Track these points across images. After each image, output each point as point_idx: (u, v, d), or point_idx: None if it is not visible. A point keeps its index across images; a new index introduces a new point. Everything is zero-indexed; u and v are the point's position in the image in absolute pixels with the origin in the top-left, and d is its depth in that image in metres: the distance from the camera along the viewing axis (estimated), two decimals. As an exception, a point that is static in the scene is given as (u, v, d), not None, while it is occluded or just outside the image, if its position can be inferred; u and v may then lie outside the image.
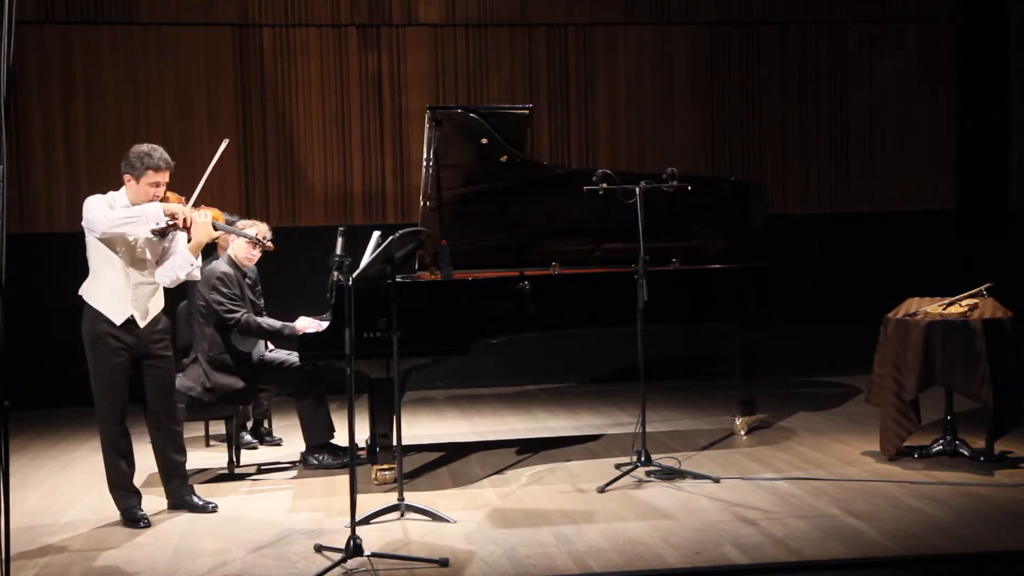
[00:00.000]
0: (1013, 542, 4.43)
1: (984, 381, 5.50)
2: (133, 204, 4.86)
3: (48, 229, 8.52)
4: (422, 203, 6.13)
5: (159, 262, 4.99)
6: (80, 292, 4.93)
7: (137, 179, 4.85)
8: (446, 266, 5.96)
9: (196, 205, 5.01)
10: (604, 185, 5.68)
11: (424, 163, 6.05)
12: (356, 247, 5.25)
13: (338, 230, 5.51)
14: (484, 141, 6.13)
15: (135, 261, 4.90)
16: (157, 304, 5.02)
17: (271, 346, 6.30)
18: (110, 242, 4.83)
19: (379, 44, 8.98)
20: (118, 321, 4.86)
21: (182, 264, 4.94)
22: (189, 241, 4.97)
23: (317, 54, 8.93)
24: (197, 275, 5.08)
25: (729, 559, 4.27)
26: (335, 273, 5.41)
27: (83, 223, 4.86)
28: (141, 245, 4.90)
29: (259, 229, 5.92)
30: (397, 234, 4.77)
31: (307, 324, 5.90)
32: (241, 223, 6.05)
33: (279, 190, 8.89)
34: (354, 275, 4.68)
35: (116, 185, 4.96)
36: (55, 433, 7.48)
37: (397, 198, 9.05)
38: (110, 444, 4.95)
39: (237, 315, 5.77)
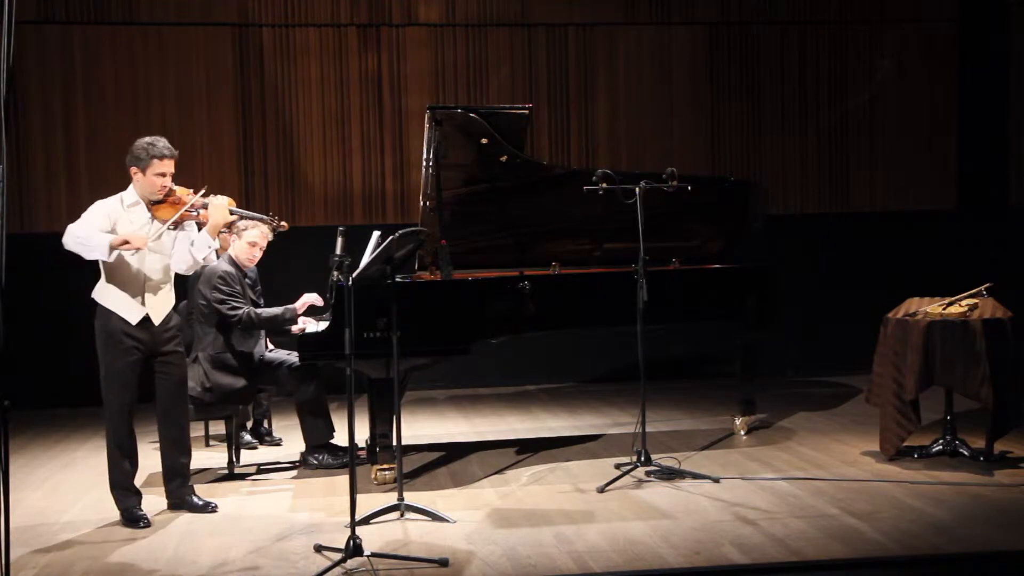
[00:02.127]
0: (1013, 542, 4.43)
1: (984, 381, 5.50)
2: (142, 197, 4.93)
3: (48, 229, 8.50)
4: (422, 203, 6.13)
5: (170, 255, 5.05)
6: (93, 295, 4.96)
7: (143, 170, 4.91)
8: (446, 266, 5.95)
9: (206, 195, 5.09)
10: (604, 185, 5.68)
11: (424, 163, 6.05)
12: (356, 247, 5.26)
13: (338, 230, 5.51)
14: (484, 141, 6.13)
15: (148, 260, 4.94)
16: (170, 301, 5.07)
17: (271, 346, 6.30)
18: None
19: (379, 44, 8.98)
20: (134, 320, 4.91)
21: (200, 247, 4.99)
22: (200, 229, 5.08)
23: (317, 54, 8.93)
24: (214, 258, 5.20)
25: (729, 559, 4.27)
26: (335, 273, 5.40)
27: None
28: (154, 242, 4.92)
29: (261, 230, 5.93)
30: (397, 234, 4.77)
31: (308, 299, 5.91)
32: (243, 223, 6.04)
33: (279, 190, 8.89)
34: (354, 275, 4.68)
35: (115, 185, 4.96)
36: (55, 433, 7.48)
37: (397, 198, 9.05)
38: (115, 443, 4.97)
39: (240, 312, 5.77)
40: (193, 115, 8.77)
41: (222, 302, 5.77)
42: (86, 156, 8.63)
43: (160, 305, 4.98)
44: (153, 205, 4.95)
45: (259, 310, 5.91)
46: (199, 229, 5.06)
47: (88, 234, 4.77)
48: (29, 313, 7.83)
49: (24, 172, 8.56)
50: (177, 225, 4.98)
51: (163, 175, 4.91)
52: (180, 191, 5.02)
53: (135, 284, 4.90)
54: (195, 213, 5.01)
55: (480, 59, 9.11)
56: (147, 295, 4.92)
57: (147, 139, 4.95)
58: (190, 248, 4.98)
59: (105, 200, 4.95)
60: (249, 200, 8.77)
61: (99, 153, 8.59)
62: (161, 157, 4.89)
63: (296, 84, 8.91)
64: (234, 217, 5.12)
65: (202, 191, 5.05)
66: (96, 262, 4.90)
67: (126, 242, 4.75)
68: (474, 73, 9.10)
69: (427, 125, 5.93)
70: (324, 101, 8.95)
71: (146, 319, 4.93)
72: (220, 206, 5.00)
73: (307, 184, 8.93)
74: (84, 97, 8.66)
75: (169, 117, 8.73)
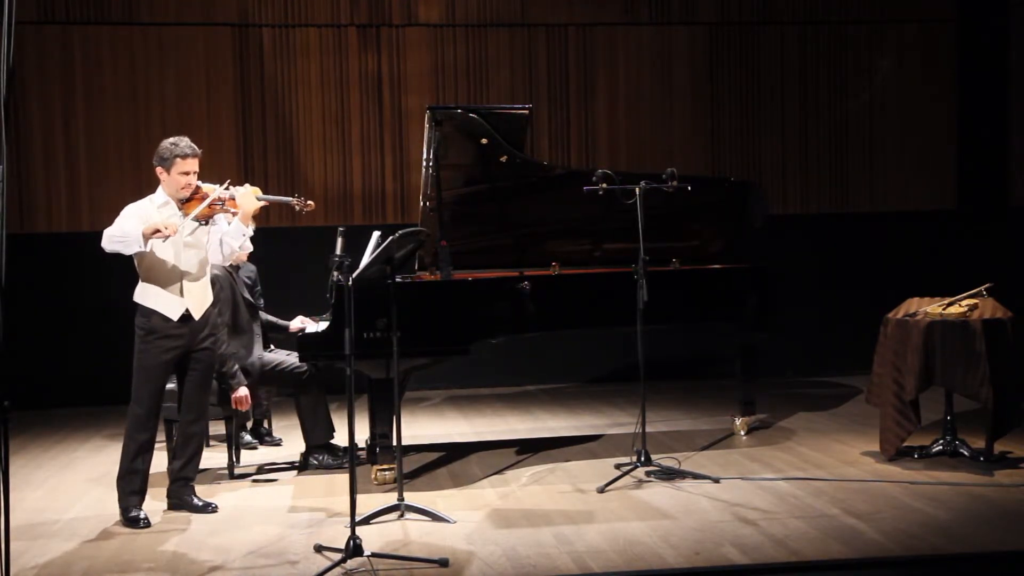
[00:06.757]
0: (1013, 542, 4.42)
1: (984, 381, 5.50)
2: (170, 196, 5.03)
3: (48, 229, 8.50)
4: (422, 203, 6.13)
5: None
6: (135, 299, 5.03)
7: (168, 170, 5.01)
8: (446, 266, 5.96)
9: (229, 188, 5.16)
10: (604, 185, 5.68)
11: (424, 163, 6.05)
12: (356, 247, 5.26)
13: (338, 230, 5.51)
14: (484, 141, 6.13)
15: (183, 255, 5.01)
16: (208, 296, 5.15)
17: (271, 346, 6.30)
18: (154, 244, 4.93)
19: (379, 44, 8.98)
20: (175, 316, 4.98)
21: (235, 235, 5.09)
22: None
23: (317, 54, 8.92)
24: (249, 245, 5.28)
25: (729, 559, 4.27)
26: (335, 273, 5.40)
27: None
28: (188, 237, 5.00)
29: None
30: (397, 234, 4.77)
31: (245, 395, 5.71)
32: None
33: (279, 190, 8.87)
34: (354, 275, 4.68)
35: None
36: (54, 433, 7.48)
37: (397, 198, 9.05)
38: (134, 440, 5.01)
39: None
40: (193, 115, 8.76)
41: None
42: (86, 156, 8.62)
43: (199, 300, 5.07)
44: (183, 204, 5.05)
45: (225, 350, 5.76)
46: (229, 222, 5.16)
47: (123, 231, 4.86)
48: (29, 313, 7.82)
49: (24, 172, 8.55)
50: (207, 220, 5.06)
51: (187, 173, 5.01)
52: (207, 188, 5.11)
53: (173, 280, 4.99)
54: (221, 205, 5.08)
55: (480, 59, 9.10)
56: (185, 291, 5.01)
57: (171, 139, 5.07)
58: (223, 238, 5.09)
59: (136, 203, 5.05)
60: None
61: (99, 153, 8.58)
62: (184, 156, 5.00)
63: (296, 84, 8.91)
64: (261, 204, 5.18)
65: (225, 184, 5.14)
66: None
67: (157, 230, 4.82)
68: (474, 73, 9.10)
69: (427, 125, 5.93)
70: (324, 101, 8.95)
71: (186, 315, 5.01)
72: (247, 194, 5.10)
73: (307, 184, 8.93)
74: (84, 97, 8.66)
75: (169, 117, 8.72)
